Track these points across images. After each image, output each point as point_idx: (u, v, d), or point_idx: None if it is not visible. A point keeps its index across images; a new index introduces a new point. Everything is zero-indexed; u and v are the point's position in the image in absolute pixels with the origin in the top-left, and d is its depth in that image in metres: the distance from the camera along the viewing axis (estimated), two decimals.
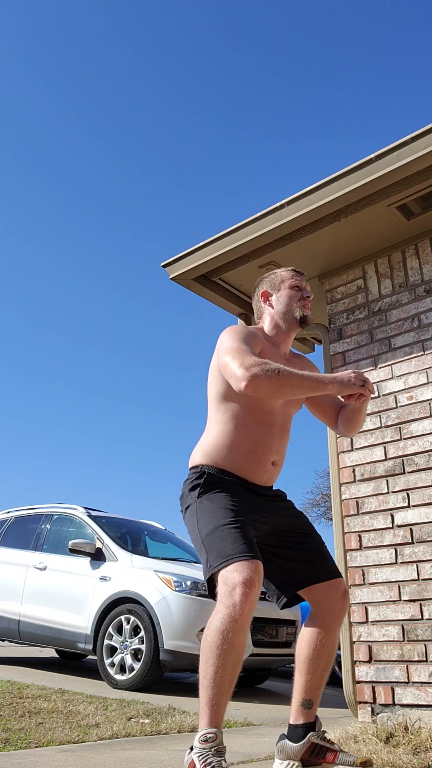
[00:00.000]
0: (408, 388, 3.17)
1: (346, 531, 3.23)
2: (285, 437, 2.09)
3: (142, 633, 4.75)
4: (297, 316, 2.14)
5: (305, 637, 1.95)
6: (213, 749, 1.57)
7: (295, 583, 1.99)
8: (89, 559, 5.45)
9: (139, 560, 5.28)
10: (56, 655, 7.54)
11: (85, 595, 5.29)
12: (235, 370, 1.82)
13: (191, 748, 1.61)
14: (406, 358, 3.22)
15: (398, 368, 3.24)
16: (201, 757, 1.56)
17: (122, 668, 4.82)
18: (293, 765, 1.92)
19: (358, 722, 2.91)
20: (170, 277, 3.80)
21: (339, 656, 3.02)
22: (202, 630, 4.56)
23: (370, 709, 2.92)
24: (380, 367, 3.32)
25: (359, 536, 3.16)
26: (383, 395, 3.26)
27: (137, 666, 4.70)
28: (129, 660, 4.78)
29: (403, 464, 3.09)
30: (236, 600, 1.61)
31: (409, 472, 3.06)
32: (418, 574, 2.90)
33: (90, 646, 5.11)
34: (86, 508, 6.19)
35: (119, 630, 4.95)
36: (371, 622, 3.00)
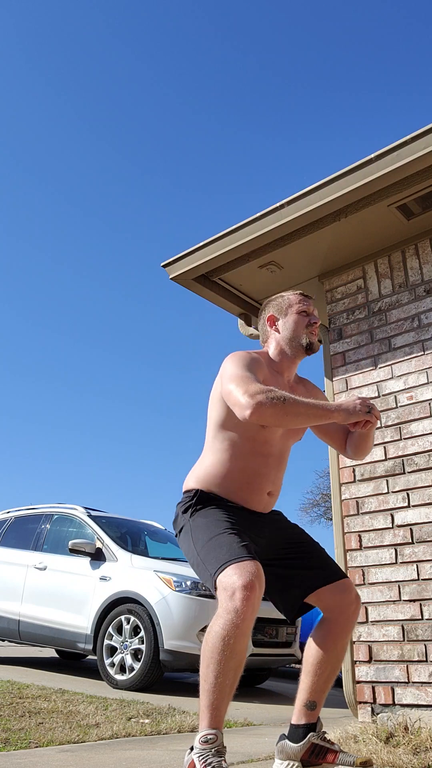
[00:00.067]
0: (408, 388, 3.17)
1: (346, 531, 3.23)
2: (282, 468, 2.07)
3: (142, 633, 4.75)
4: (303, 343, 2.10)
5: (316, 640, 1.93)
6: (213, 750, 1.57)
7: (302, 590, 1.96)
8: (89, 559, 5.45)
9: (139, 560, 5.28)
10: (56, 655, 7.54)
11: (85, 595, 5.29)
12: (239, 398, 1.79)
13: (191, 749, 1.61)
14: (406, 358, 3.22)
15: (398, 368, 3.24)
16: (201, 758, 1.56)
17: (122, 668, 4.82)
18: (293, 765, 1.92)
19: (358, 722, 2.91)
20: (170, 277, 3.80)
21: None
22: (202, 630, 4.58)
23: (370, 709, 2.92)
24: (380, 367, 3.32)
25: (359, 536, 3.16)
26: (383, 395, 3.26)
27: (137, 666, 4.70)
28: (129, 660, 4.78)
29: (403, 464, 3.09)
30: (237, 605, 1.59)
31: (409, 472, 3.06)
32: (418, 574, 2.90)
33: (90, 646, 5.11)
34: (86, 508, 6.19)
35: (119, 630, 4.95)
36: (371, 622, 3.00)
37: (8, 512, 6.89)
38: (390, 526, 3.06)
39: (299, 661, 5.84)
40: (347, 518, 3.24)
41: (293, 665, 8.20)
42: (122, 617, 4.95)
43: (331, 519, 11.46)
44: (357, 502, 3.22)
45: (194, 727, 3.02)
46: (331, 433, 2.11)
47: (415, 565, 2.92)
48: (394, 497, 3.07)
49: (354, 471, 3.27)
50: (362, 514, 3.18)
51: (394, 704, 2.84)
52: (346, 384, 3.43)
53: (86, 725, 2.93)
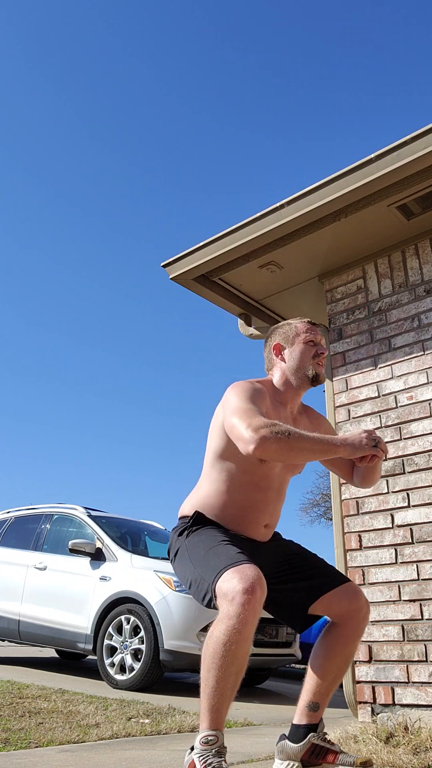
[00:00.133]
0: (408, 388, 3.17)
1: (346, 531, 3.23)
2: (280, 501, 2.04)
3: (142, 633, 4.75)
4: (309, 374, 2.05)
5: (324, 643, 1.92)
6: (214, 750, 1.57)
7: (306, 599, 1.94)
8: (89, 559, 5.46)
9: (139, 560, 5.28)
10: (56, 655, 7.54)
11: (85, 595, 5.30)
12: (242, 432, 1.73)
13: (192, 749, 1.61)
14: (406, 358, 3.22)
15: (398, 368, 3.24)
16: (201, 758, 1.56)
17: (122, 668, 4.82)
18: (293, 765, 1.92)
19: (358, 722, 2.91)
20: (170, 277, 3.80)
21: None
22: (202, 630, 4.58)
23: (370, 709, 2.92)
24: (380, 367, 3.32)
25: (359, 536, 3.16)
26: (383, 395, 3.26)
27: (137, 666, 4.70)
28: (129, 660, 4.78)
29: (403, 464, 3.09)
30: (238, 609, 1.56)
31: (409, 472, 3.06)
32: (418, 574, 2.90)
33: (90, 646, 5.11)
34: (86, 508, 6.19)
35: (119, 630, 4.95)
36: (371, 622, 3.00)
37: (8, 512, 6.89)
38: (390, 526, 3.06)
39: (299, 661, 5.85)
40: (347, 518, 3.24)
41: (293, 665, 8.20)
42: (122, 617, 4.95)
43: (331, 519, 11.47)
44: (357, 502, 3.22)
45: (194, 727, 3.02)
46: (337, 464, 2.07)
47: (415, 565, 2.92)
48: (394, 497, 3.07)
49: None
50: (362, 514, 3.18)
51: (394, 704, 2.84)
52: (346, 384, 3.43)
53: (86, 725, 2.93)
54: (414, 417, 3.11)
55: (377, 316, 3.42)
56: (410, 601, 2.89)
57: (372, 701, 2.92)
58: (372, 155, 2.98)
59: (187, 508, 1.99)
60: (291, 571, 1.98)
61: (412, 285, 3.33)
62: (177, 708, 3.63)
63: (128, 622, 4.90)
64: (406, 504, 3.03)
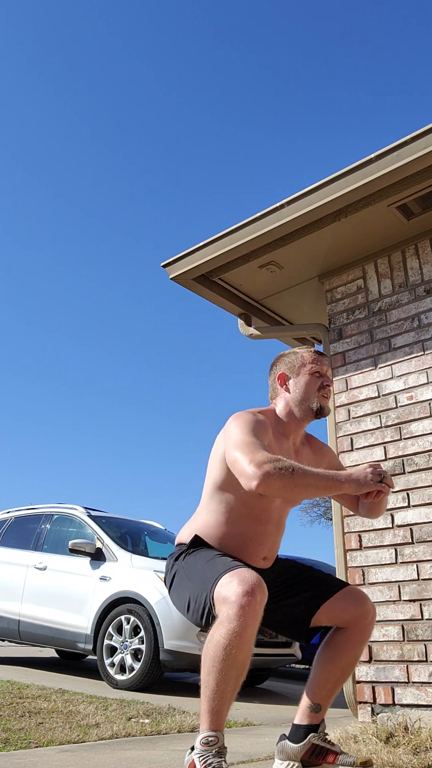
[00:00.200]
0: (408, 388, 3.17)
1: (346, 531, 3.23)
2: (279, 534, 2.01)
3: (142, 633, 4.75)
4: (314, 407, 2.01)
5: (330, 645, 1.92)
6: (214, 750, 1.57)
7: (308, 610, 1.93)
8: (89, 559, 5.45)
9: (139, 560, 5.28)
10: (56, 655, 7.54)
11: (85, 595, 5.29)
12: (245, 467, 1.69)
13: (192, 749, 1.61)
14: (406, 358, 3.22)
15: (398, 368, 3.24)
16: (201, 758, 1.56)
17: (122, 668, 4.82)
18: (293, 765, 1.92)
19: (358, 722, 2.91)
20: (170, 277, 3.80)
21: None
22: (202, 630, 4.57)
23: (370, 709, 2.92)
24: (380, 367, 3.32)
25: (359, 536, 3.16)
26: (383, 395, 3.26)
27: (137, 666, 4.70)
28: (129, 660, 4.78)
29: (403, 464, 3.09)
30: (238, 612, 1.54)
31: (409, 472, 3.06)
32: (418, 574, 2.90)
33: (90, 646, 5.11)
34: (86, 508, 6.19)
35: (119, 630, 4.95)
36: None
37: (8, 512, 6.89)
38: (390, 526, 3.06)
39: (299, 661, 5.85)
40: (347, 518, 3.24)
41: (293, 665, 8.20)
42: (122, 617, 4.95)
43: (331, 519, 11.46)
44: None
45: (194, 727, 3.02)
46: (341, 496, 2.04)
47: (415, 565, 2.92)
48: (394, 497, 3.07)
49: None
50: None
51: (394, 704, 2.84)
52: (346, 384, 3.43)
53: (86, 725, 2.93)
54: (414, 417, 3.11)
55: (377, 316, 3.42)
56: (410, 601, 2.89)
57: (372, 701, 2.92)
58: (372, 155, 2.98)
59: (184, 536, 1.96)
60: (287, 587, 1.97)
61: (412, 285, 3.33)
62: (177, 708, 3.63)
63: (128, 622, 4.90)
64: (406, 504, 3.03)
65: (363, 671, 2.98)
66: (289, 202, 3.28)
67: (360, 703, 2.97)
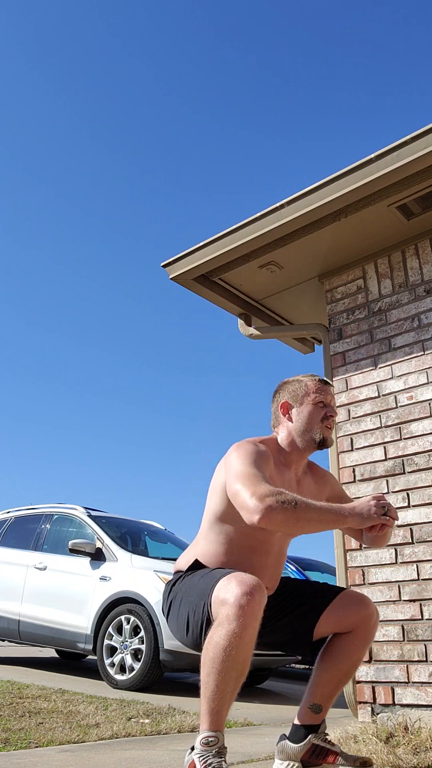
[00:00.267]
0: (408, 388, 3.17)
1: None
2: (280, 565, 1.99)
3: (142, 633, 4.75)
4: (317, 438, 1.97)
5: (334, 647, 1.91)
6: (214, 750, 1.57)
7: (308, 623, 1.92)
8: (89, 559, 5.45)
9: (139, 560, 5.28)
10: (56, 655, 7.54)
11: (85, 595, 5.29)
12: (247, 500, 1.66)
13: (192, 749, 1.61)
14: (406, 358, 3.22)
15: (398, 368, 3.24)
16: (201, 758, 1.55)
17: (122, 668, 4.82)
18: (293, 765, 1.92)
19: (358, 722, 2.91)
20: (170, 277, 3.80)
21: None
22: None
23: (370, 709, 2.92)
24: (380, 367, 3.32)
25: None
26: (383, 395, 3.26)
27: (137, 666, 4.70)
28: (129, 660, 4.78)
29: (403, 464, 3.09)
30: (237, 612, 1.52)
31: (409, 472, 3.06)
32: (418, 574, 2.90)
33: (90, 646, 5.11)
34: (86, 508, 6.19)
35: (119, 630, 4.95)
36: None
37: (8, 512, 6.89)
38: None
39: (299, 661, 5.86)
40: None
41: (293, 665, 8.20)
42: (122, 617, 4.95)
43: None
44: None
45: (194, 727, 3.02)
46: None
47: (415, 565, 2.92)
48: (394, 497, 3.07)
49: (354, 471, 3.27)
50: None
51: (394, 704, 2.84)
52: (346, 384, 3.43)
53: (86, 725, 2.93)
54: (414, 417, 3.11)
55: (377, 316, 3.42)
56: (410, 601, 2.89)
57: (372, 701, 2.92)
58: (372, 155, 2.98)
59: (182, 564, 1.95)
60: (285, 605, 1.96)
61: (412, 285, 3.33)
62: (177, 708, 3.63)
63: (128, 622, 4.90)
64: (406, 504, 3.03)
65: (363, 671, 2.98)
66: (289, 202, 3.28)
67: (360, 703, 2.97)
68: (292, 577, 6.76)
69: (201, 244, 3.63)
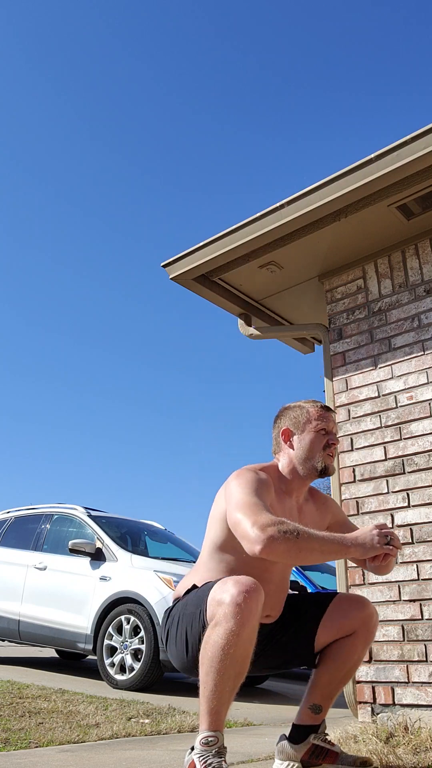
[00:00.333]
0: (408, 388, 3.17)
1: None
2: (282, 593, 1.97)
3: (142, 633, 4.75)
4: (318, 466, 1.95)
5: (334, 647, 1.90)
6: (214, 750, 1.57)
7: (308, 635, 1.91)
8: (89, 559, 5.46)
9: (139, 560, 5.28)
10: (56, 655, 7.54)
11: (85, 595, 5.30)
12: (248, 530, 1.63)
13: (192, 749, 1.61)
14: (406, 358, 3.22)
15: (398, 368, 3.24)
16: (201, 758, 1.56)
17: (122, 668, 4.82)
18: (293, 765, 1.92)
19: (358, 722, 2.91)
20: (170, 277, 3.80)
21: None
22: None
23: (370, 709, 2.92)
24: (380, 367, 3.32)
25: None
26: (383, 395, 3.26)
27: (137, 666, 4.70)
28: (129, 660, 4.78)
29: (403, 464, 3.09)
30: (234, 610, 1.52)
31: (409, 472, 3.06)
32: (418, 574, 2.90)
33: (90, 646, 5.11)
34: (86, 508, 6.19)
35: (119, 630, 4.95)
36: None
37: (8, 512, 6.89)
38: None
39: None
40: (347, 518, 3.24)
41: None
42: (122, 617, 4.95)
43: None
44: (357, 502, 3.22)
45: (194, 727, 3.02)
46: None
47: (415, 565, 2.92)
48: (394, 497, 3.07)
49: (354, 471, 3.27)
50: (362, 514, 3.18)
51: (394, 704, 2.84)
52: (346, 384, 3.43)
53: (86, 725, 2.93)
54: (414, 417, 3.11)
55: (377, 316, 3.42)
56: (410, 601, 2.89)
57: (372, 701, 2.92)
58: (372, 155, 2.98)
59: (180, 590, 1.93)
60: (282, 623, 1.95)
61: (412, 285, 3.33)
62: (177, 708, 3.63)
63: (128, 622, 4.90)
64: (406, 504, 3.03)
65: (363, 671, 2.98)
66: (289, 202, 3.28)
67: (360, 703, 2.97)
68: (293, 577, 6.75)
69: (201, 244, 3.63)
